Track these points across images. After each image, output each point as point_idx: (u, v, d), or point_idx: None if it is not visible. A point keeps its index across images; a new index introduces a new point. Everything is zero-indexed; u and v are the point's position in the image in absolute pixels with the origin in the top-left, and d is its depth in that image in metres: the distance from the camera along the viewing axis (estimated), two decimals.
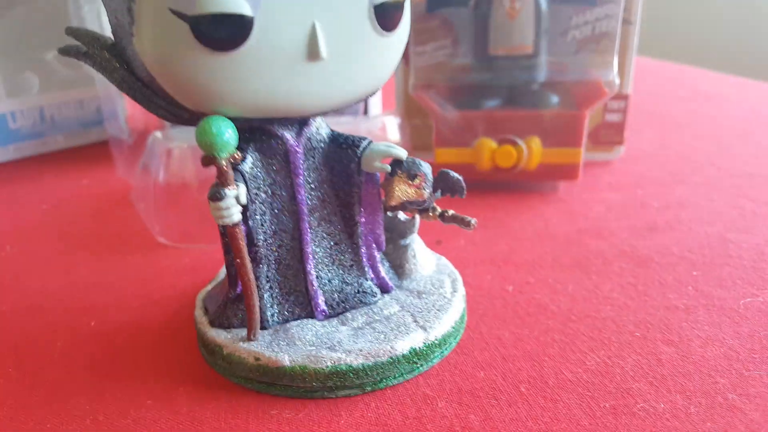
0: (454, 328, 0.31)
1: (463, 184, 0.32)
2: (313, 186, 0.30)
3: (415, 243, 0.35)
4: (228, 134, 0.24)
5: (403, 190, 0.30)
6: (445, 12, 0.51)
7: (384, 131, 0.49)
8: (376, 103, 0.68)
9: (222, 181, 0.25)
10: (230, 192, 0.25)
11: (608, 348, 0.30)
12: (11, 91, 0.62)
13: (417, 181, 0.30)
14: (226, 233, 0.26)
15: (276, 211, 0.30)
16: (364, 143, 0.30)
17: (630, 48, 0.53)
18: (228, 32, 0.23)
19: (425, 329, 0.30)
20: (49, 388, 0.29)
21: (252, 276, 0.28)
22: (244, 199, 0.26)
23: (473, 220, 0.32)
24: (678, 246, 0.40)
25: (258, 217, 0.29)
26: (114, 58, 0.26)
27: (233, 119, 0.25)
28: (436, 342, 0.30)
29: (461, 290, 0.33)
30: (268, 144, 0.29)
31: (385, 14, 0.26)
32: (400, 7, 0.26)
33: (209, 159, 0.25)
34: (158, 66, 0.24)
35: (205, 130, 0.24)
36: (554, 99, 0.49)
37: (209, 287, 0.34)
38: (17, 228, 0.50)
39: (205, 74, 0.24)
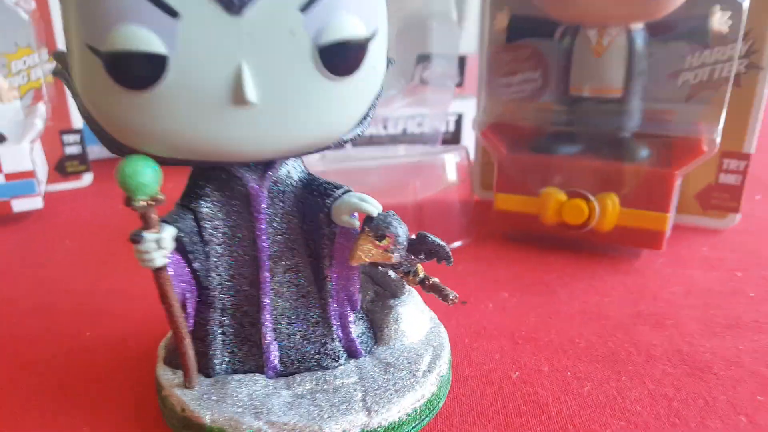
0: (410, 416, 0.27)
1: (448, 251, 0.27)
2: (279, 233, 0.28)
3: (404, 305, 0.31)
4: (146, 175, 0.23)
5: (366, 250, 0.27)
6: (533, 41, 0.46)
7: (441, 168, 0.45)
8: (468, 133, 0.64)
9: (143, 224, 0.24)
10: (149, 235, 0.24)
11: None
12: None
13: (385, 242, 0.26)
14: (154, 278, 0.25)
15: (236, 254, 0.28)
16: (338, 192, 0.27)
17: (758, 98, 0.43)
18: (139, 71, 0.21)
19: (369, 412, 0.26)
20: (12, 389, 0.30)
21: (182, 322, 0.26)
22: (169, 243, 0.24)
23: (453, 295, 0.28)
24: (753, 356, 0.32)
25: (214, 259, 0.27)
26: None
27: (169, 159, 0.24)
28: (378, 431, 0.26)
29: (441, 370, 0.28)
30: (228, 184, 0.27)
31: (335, 57, 0.22)
32: (357, 48, 0.23)
33: (126, 200, 0.23)
34: (86, 99, 0.23)
35: (120, 170, 0.23)
36: (643, 152, 0.41)
37: None
38: (91, 226, 0.53)
39: (123, 112, 0.22)
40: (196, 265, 0.27)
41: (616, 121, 0.42)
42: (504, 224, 0.45)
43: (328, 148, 0.27)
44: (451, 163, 0.45)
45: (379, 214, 0.26)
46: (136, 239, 0.24)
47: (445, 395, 0.29)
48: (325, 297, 0.29)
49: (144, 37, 0.20)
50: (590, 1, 0.38)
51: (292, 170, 0.28)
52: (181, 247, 0.26)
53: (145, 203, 0.23)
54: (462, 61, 0.62)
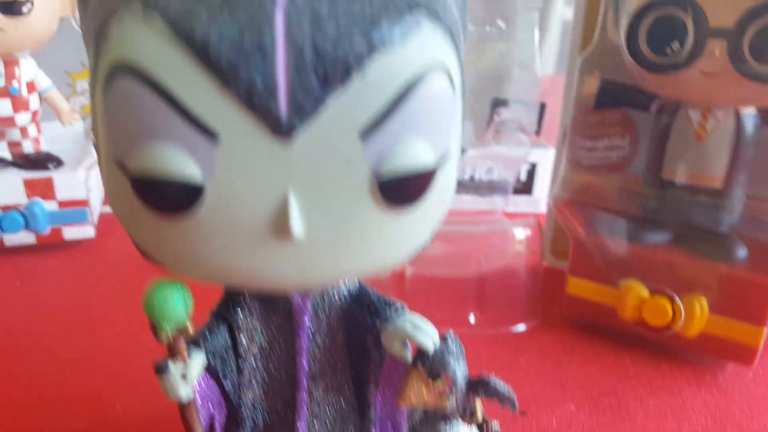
0: None
1: (513, 398, 0.24)
2: (321, 350, 0.25)
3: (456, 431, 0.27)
4: (174, 306, 0.20)
5: (418, 392, 0.23)
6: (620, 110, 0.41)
7: (509, 241, 0.41)
8: (543, 180, 0.60)
9: (168, 354, 0.21)
10: (175, 367, 0.21)
11: None
12: None
13: (439, 385, 0.23)
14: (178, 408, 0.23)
15: (272, 370, 0.25)
16: (389, 312, 0.24)
17: None
18: (171, 198, 0.18)
19: None
20: None
21: None
22: (194, 376, 0.22)
23: None
24: None
25: (248, 374, 0.25)
26: None
27: None
28: None
29: None
30: (270, 295, 0.24)
31: (398, 189, 0.19)
32: (424, 178, 0.19)
33: (152, 328, 0.21)
34: (112, 209, 0.21)
35: (147, 298, 0.20)
36: (742, 252, 0.36)
37: None
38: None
39: (153, 235, 0.20)
40: (227, 385, 0.24)
41: (712, 215, 0.37)
42: (576, 311, 0.41)
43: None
44: (520, 236, 0.41)
45: (435, 347, 0.23)
46: (160, 369, 0.21)
47: None
48: (367, 424, 0.26)
49: (177, 160, 0.17)
50: (695, 83, 0.33)
51: (341, 282, 0.24)
52: (211, 368, 0.23)
53: (171, 336, 0.21)
54: (542, 108, 0.57)
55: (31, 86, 0.49)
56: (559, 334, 0.41)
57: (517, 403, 0.24)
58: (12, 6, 0.44)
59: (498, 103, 0.56)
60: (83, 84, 0.55)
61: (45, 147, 0.52)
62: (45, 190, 0.49)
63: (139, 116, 0.17)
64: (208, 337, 0.23)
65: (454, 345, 0.23)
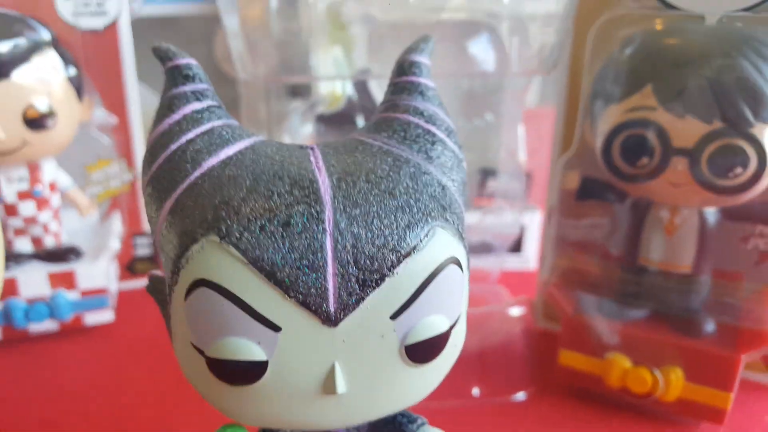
0: None
1: None
2: None
3: None
4: None
5: None
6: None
7: (506, 321, 0.46)
8: (532, 242, 0.65)
9: None
10: None
11: None
12: None
13: None
14: None
15: None
16: (411, 428, 0.28)
17: None
18: (241, 374, 0.23)
19: None
20: None
21: None
22: None
23: None
24: None
25: None
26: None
27: None
28: None
29: None
30: None
31: (421, 351, 0.24)
32: (441, 340, 0.24)
33: None
34: (184, 371, 0.25)
35: None
36: (710, 326, 0.42)
37: None
38: (160, 340, 0.55)
39: (221, 398, 0.24)
40: None
41: (683, 297, 0.42)
42: (568, 379, 0.46)
43: None
44: (515, 314, 0.46)
45: None
46: None
47: None
48: None
49: (248, 348, 0.22)
50: (663, 190, 0.39)
51: None
52: None
53: None
54: (528, 179, 0.63)
55: (52, 186, 0.53)
56: (555, 401, 0.46)
57: None
58: (38, 121, 0.48)
59: (486, 173, 0.61)
60: (98, 175, 0.58)
61: (64, 237, 0.55)
62: (68, 281, 0.53)
63: (218, 318, 0.22)
64: None
65: None
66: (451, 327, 0.24)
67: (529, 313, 0.48)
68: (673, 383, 0.42)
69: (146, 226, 0.62)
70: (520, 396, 0.46)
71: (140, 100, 0.59)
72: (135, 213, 0.61)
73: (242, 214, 0.22)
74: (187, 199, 0.23)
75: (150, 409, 0.44)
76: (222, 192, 0.23)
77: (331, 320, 0.22)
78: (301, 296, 0.21)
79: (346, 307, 0.22)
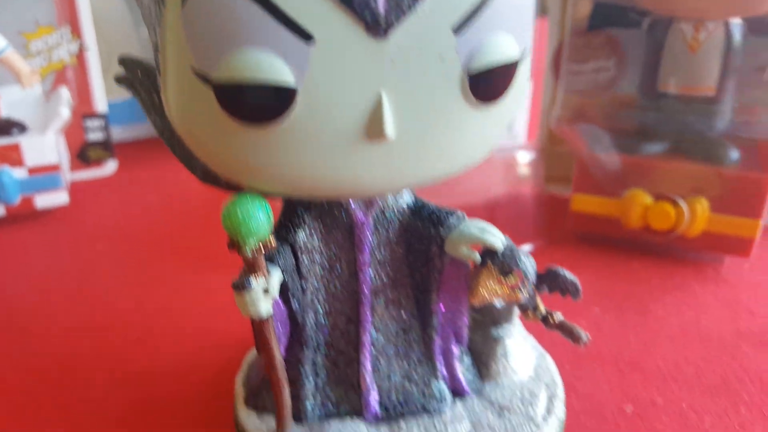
0: None
1: (578, 286, 0.24)
2: (382, 264, 0.25)
3: (511, 337, 0.28)
4: (258, 219, 0.20)
5: (490, 288, 0.24)
6: (611, 30, 0.42)
7: (511, 166, 0.42)
8: (519, 127, 0.60)
9: (249, 270, 0.21)
10: (257, 283, 0.21)
11: None
12: None
13: (512, 280, 0.23)
14: (253, 325, 0.22)
15: (333, 289, 0.25)
16: (452, 220, 0.24)
17: None
18: (261, 105, 0.17)
19: None
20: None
21: (282, 372, 0.23)
22: (275, 291, 0.21)
23: (585, 336, 0.25)
24: None
25: (310, 294, 0.24)
26: (154, 98, 0.22)
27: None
28: None
29: (558, 413, 0.26)
30: (330, 212, 0.23)
31: (487, 83, 0.19)
32: (509, 71, 0.19)
33: (233, 244, 0.20)
34: (183, 129, 0.20)
35: (230, 213, 0.19)
36: (734, 154, 0.38)
37: None
38: (120, 223, 0.49)
39: (234, 148, 0.19)
40: (293, 303, 0.24)
41: (705, 121, 0.38)
42: (581, 227, 0.42)
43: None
44: (523, 159, 0.42)
45: (504, 246, 0.23)
46: (242, 286, 0.20)
47: None
48: (430, 333, 0.26)
49: (270, 64, 0.17)
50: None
51: (399, 195, 0.24)
52: (281, 288, 0.23)
53: (256, 248, 0.20)
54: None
55: None
56: (568, 250, 0.42)
57: (581, 292, 0.24)
58: None
59: None
60: (37, 45, 0.51)
61: (5, 110, 0.49)
62: (13, 157, 0.46)
63: (229, 24, 0.16)
64: (279, 258, 0.23)
65: (520, 249, 0.24)
66: (521, 56, 0.19)
67: (536, 162, 0.44)
68: (698, 215, 0.38)
69: (99, 106, 0.55)
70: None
71: None
72: (85, 91, 0.55)
73: None
74: None
75: (121, 315, 0.38)
76: None
77: (379, 26, 0.17)
78: None
79: (399, 9, 0.16)
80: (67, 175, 0.53)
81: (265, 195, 0.20)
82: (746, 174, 0.37)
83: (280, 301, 0.23)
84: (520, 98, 0.21)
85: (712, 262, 0.40)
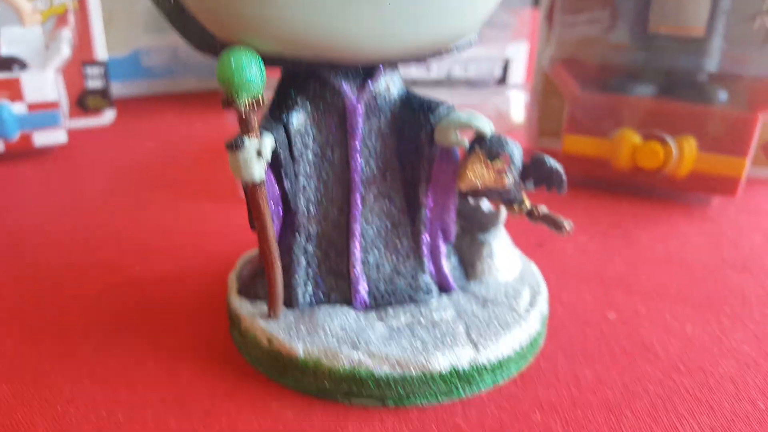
0: (517, 353, 0.25)
1: (563, 176, 0.25)
2: (373, 153, 0.25)
3: (497, 240, 0.28)
4: (251, 71, 0.20)
5: (477, 172, 0.24)
6: None
7: (506, 107, 0.42)
8: (518, 73, 0.61)
9: (242, 129, 0.21)
10: (250, 142, 0.21)
11: (716, 416, 0.23)
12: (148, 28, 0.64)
13: (498, 164, 0.24)
14: (246, 191, 0.22)
15: (325, 176, 0.25)
16: (442, 109, 0.24)
17: None
18: None
19: (476, 347, 0.24)
20: (65, 326, 0.28)
21: (273, 245, 0.24)
22: (268, 154, 0.22)
23: (568, 224, 0.25)
24: None
25: (302, 179, 0.25)
26: None
27: (272, 58, 0.21)
28: (487, 365, 0.24)
29: (541, 308, 0.26)
30: (322, 96, 0.24)
31: None
32: None
33: (227, 101, 0.21)
34: None
35: (224, 64, 0.20)
36: (722, 95, 0.39)
37: (256, 250, 0.30)
38: (118, 164, 0.50)
39: None
40: (286, 184, 0.24)
41: (694, 62, 0.39)
42: (572, 168, 0.42)
43: (434, 56, 0.24)
44: (517, 101, 0.43)
45: (492, 131, 0.24)
46: (236, 145, 0.21)
47: (544, 335, 0.27)
48: (418, 227, 0.26)
49: None
50: None
51: (391, 85, 0.25)
52: (274, 162, 0.23)
53: (248, 103, 0.21)
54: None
55: None
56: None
57: (566, 182, 0.25)
58: None
59: None
60: None
61: (4, 48, 0.49)
62: (12, 91, 0.47)
63: None
64: (271, 129, 0.23)
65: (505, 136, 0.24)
66: None
67: (530, 114, 0.44)
68: (686, 154, 0.39)
69: (99, 54, 0.56)
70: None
71: None
72: (86, 37, 0.55)
73: None
74: None
75: (118, 234, 0.38)
76: None
77: None
78: None
79: None
80: (66, 122, 0.53)
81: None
82: (734, 112, 0.38)
83: (273, 180, 0.24)
84: None
85: (699, 203, 0.41)
